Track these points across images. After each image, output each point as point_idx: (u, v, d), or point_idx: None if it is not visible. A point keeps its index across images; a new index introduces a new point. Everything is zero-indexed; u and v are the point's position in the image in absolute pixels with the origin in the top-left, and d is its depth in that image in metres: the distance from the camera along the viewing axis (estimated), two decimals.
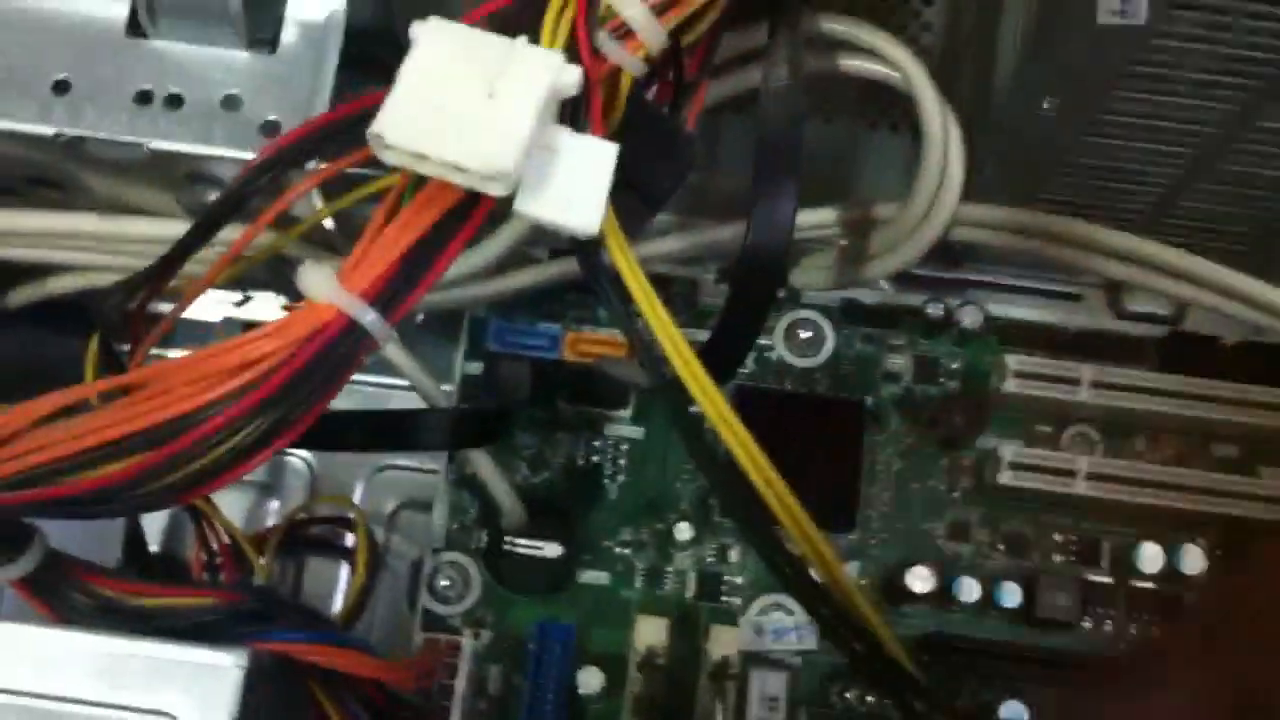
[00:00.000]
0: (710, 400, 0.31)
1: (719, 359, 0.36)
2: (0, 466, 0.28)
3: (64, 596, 0.32)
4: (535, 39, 0.27)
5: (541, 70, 0.26)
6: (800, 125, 0.34)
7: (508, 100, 0.25)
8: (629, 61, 0.28)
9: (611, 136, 0.28)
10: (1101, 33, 0.33)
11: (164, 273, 0.33)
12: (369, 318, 0.27)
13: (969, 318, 0.43)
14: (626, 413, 0.43)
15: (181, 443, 0.27)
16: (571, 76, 0.26)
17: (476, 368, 0.43)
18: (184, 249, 0.32)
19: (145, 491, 0.27)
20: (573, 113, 0.27)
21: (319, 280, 0.26)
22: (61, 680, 0.31)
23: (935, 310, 0.43)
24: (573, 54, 0.27)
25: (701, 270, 0.44)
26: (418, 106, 0.25)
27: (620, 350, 0.43)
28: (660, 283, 0.44)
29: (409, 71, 0.25)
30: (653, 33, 0.28)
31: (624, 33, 0.28)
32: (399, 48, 0.39)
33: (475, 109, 0.25)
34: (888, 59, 0.37)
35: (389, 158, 0.25)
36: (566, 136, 0.27)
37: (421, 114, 0.25)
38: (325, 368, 0.27)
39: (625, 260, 0.29)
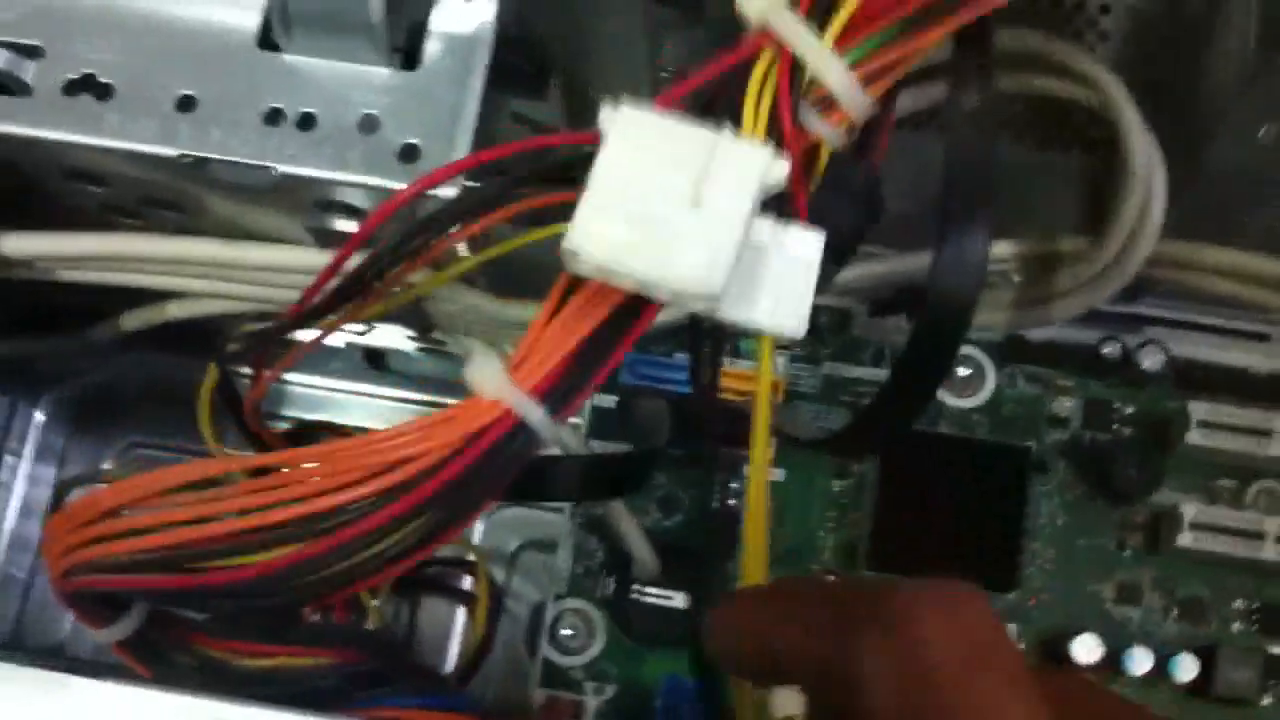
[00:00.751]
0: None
1: (896, 410, 0.32)
2: (117, 542, 0.26)
3: (166, 658, 0.30)
4: (734, 115, 0.23)
5: (751, 169, 0.22)
6: (992, 151, 0.30)
7: (715, 208, 0.21)
8: (831, 135, 0.25)
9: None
10: None
11: (296, 326, 0.29)
12: (537, 416, 0.23)
13: (1149, 359, 0.39)
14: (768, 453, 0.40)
15: (334, 539, 0.24)
16: (781, 171, 0.22)
17: (609, 401, 0.40)
18: (320, 311, 0.29)
19: (283, 590, 0.24)
20: (776, 201, 0.23)
21: (488, 375, 0.23)
22: None
23: (1112, 350, 0.39)
24: (774, 131, 0.24)
25: (853, 301, 0.40)
26: (614, 215, 0.21)
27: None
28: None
29: (603, 172, 0.22)
30: (858, 104, 0.24)
31: (827, 104, 0.24)
32: (537, 56, 0.36)
33: (679, 218, 0.21)
34: (1086, 79, 0.33)
35: (582, 270, 0.22)
36: (769, 230, 0.23)
37: (619, 224, 0.21)
38: (490, 468, 0.24)
39: None
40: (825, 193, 0.26)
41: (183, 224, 0.34)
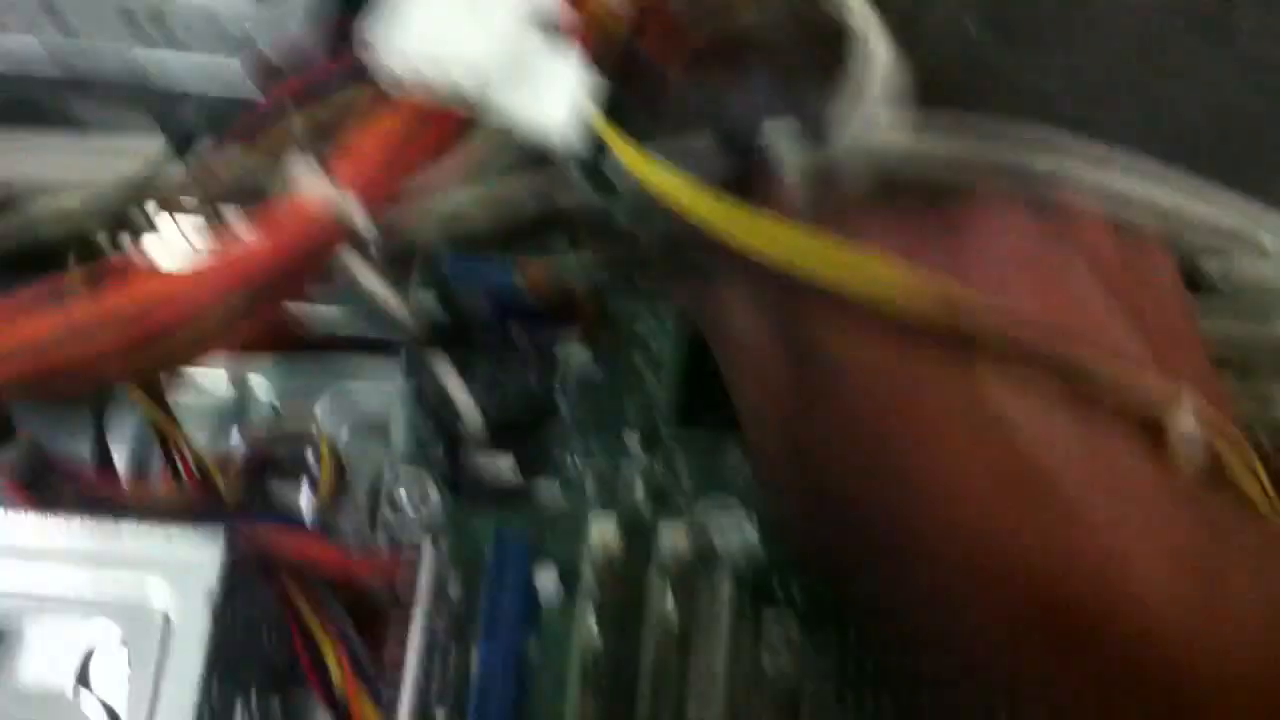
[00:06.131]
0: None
1: None
2: None
3: (48, 488, 0.34)
4: None
5: None
6: None
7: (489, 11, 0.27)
8: None
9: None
10: None
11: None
12: (354, 210, 0.29)
13: None
14: (577, 333, 0.45)
15: (156, 326, 0.29)
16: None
17: (429, 297, 0.45)
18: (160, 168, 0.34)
19: (123, 369, 0.29)
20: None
21: (307, 175, 0.28)
22: (42, 567, 0.33)
23: None
24: None
25: None
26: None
27: None
28: None
29: None
30: None
31: None
32: None
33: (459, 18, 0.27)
34: None
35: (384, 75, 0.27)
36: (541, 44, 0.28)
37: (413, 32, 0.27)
38: (308, 261, 0.29)
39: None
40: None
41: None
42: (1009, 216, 0.29)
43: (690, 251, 0.34)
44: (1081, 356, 0.26)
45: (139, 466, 0.44)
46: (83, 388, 0.32)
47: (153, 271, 0.29)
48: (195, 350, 0.29)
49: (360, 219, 0.28)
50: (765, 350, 0.32)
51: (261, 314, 0.29)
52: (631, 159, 0.30)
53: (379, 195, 0.29)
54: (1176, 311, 0.31)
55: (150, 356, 0.29)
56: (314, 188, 0.28)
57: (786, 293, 0.30)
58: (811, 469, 0.30)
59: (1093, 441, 0.26)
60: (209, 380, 0.45)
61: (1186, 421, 0.26)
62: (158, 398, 0.40)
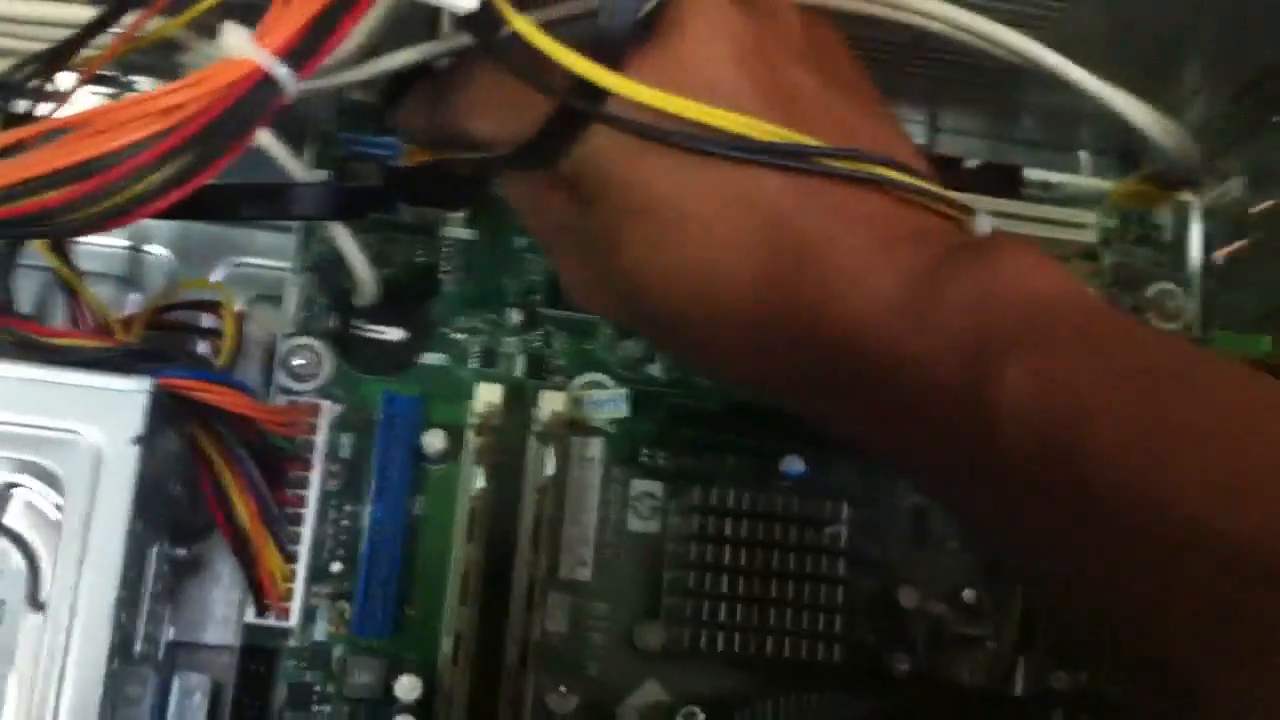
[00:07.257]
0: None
1: None
2: None
3: None
4: None
5: None
6: None
7: None
8: None
9: None
10: None
11: (69, 51, 0.36)
12: (281, 71, 0.31)
13: None
14: (460, 216, 0.49)
15: (104, 179, 0.31)
16: None
17: (323, 175, 0.48)
18: (90, 31, 0.36)
19: (75, 217, 0.31)
20: None
21: (238, 38, 0.31)
22: None
23: None
24: None
25: None
26: None
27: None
28: None
29: None
30: None
31: None
32: None
33: None
34: None
35: None
36: None
37: None
38: (239, 116, 0.31)
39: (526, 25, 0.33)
40: None
41: None
42: (715, 12, 0.34)
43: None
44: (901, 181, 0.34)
45: (41, 320, 0.46)
46: (46, 232, 0.34)
47: (101, 130, 0.31)
48: (145, 204, 0.31)
49: (284, 73, 0.31)
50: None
51: (207, 168, 0.31)
52: (525, 27, 0.33)
53: (307, 57, 0.31)
54: (864, 77, 0.38)
55: (103, 212, 0.31)
56: (241, 47, 0.31)
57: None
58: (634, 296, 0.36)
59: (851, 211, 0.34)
60: (108, 250, 0.47)
61: (984, 222, 0.35)
62: (64, 256, 0.42)
